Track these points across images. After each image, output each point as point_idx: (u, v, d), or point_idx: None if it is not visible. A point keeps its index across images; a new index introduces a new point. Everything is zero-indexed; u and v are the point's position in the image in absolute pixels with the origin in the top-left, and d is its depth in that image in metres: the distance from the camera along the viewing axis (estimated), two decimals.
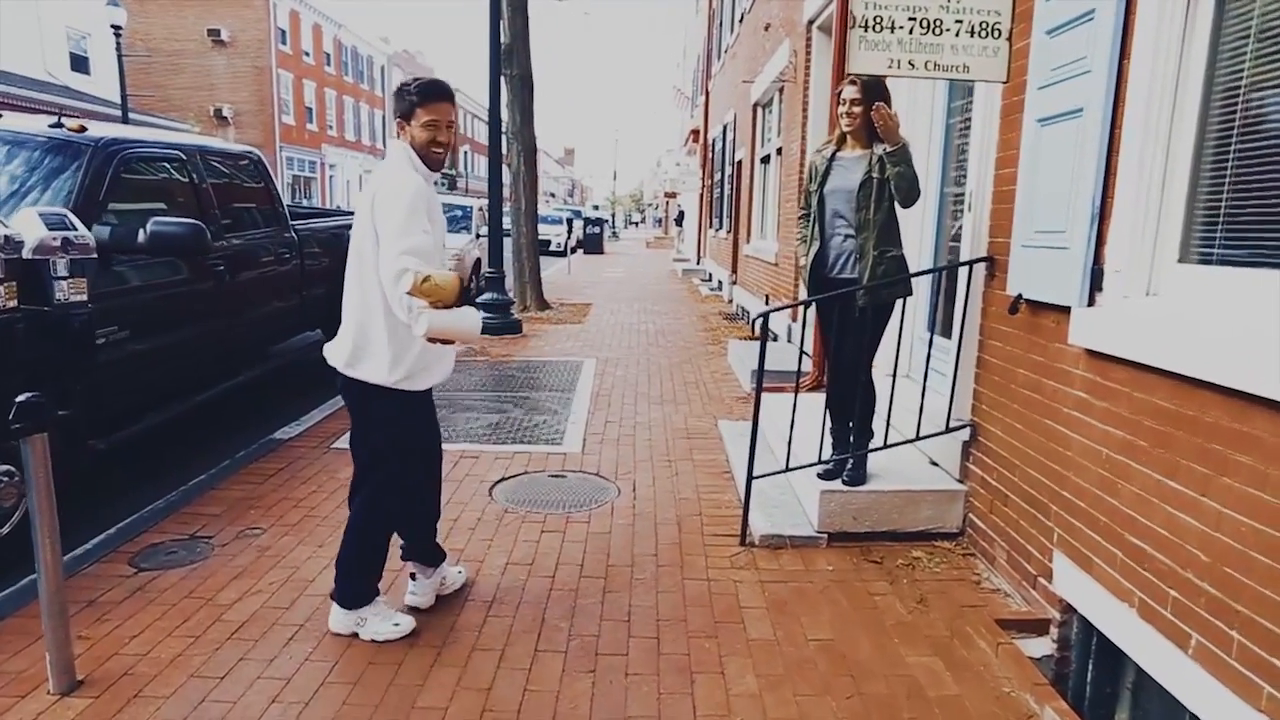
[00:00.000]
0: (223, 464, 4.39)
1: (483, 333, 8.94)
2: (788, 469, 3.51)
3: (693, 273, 18.33)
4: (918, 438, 3.46)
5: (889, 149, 3.15)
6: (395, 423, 2.56)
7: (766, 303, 9.06)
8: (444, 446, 2.93)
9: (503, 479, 4.26)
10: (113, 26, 18.01)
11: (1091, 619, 2.44)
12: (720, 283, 14.48)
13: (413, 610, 2.79)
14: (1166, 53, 2.19)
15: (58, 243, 3.21)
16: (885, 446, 3.50)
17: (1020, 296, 2.84)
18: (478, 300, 9.20)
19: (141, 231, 3.80)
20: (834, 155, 3.46)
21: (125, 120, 18.88)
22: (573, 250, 25.17)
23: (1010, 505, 3.00)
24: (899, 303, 3.45)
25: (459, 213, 13.63)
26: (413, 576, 2.86)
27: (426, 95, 2.45)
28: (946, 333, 3.94)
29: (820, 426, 3.61)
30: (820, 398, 4.91)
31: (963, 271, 3.50)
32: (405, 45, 47.88)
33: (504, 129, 10.72)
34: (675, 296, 14.05)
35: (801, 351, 3.62)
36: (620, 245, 37.50)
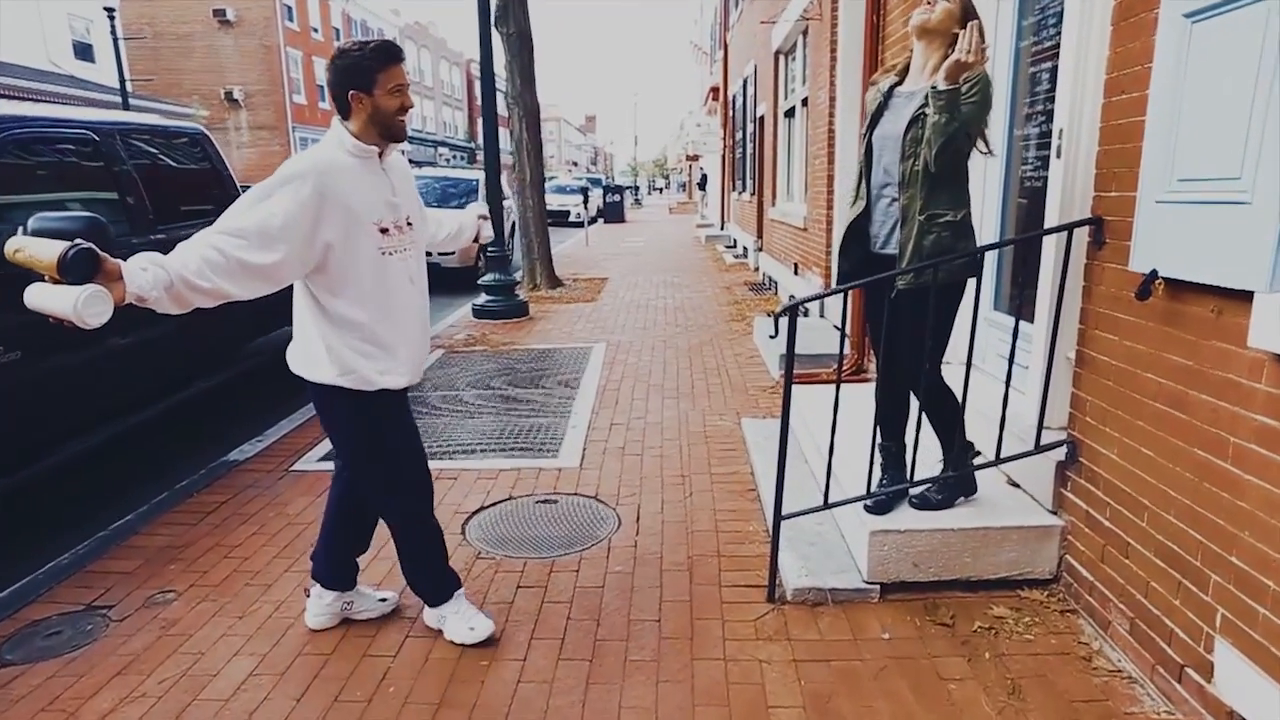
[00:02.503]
0: (157, 498, 3.74)
1: (484, 317, 8.25)
2: (826, 504, 2.73)
3: (716, 239, 17.40)
4: (998, 460, 2.65)
5: (940, 85, 2.30)
6: (351, 423, 2.28)
7: (795, 272, 8.19)
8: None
9: (482, 508, 3.55)
10: (105, 9, 17.40)
11: None
12: (745, 249, 13.58)
13: (312, 632, 2.58)
14: None
15: None
16: (948, 476, 2.70)
17: (1154, 275, 2.00)
18: (478, 281, 8.47)
19: (22, 230, 3.11)
20: (892, 89, 2.62)
21: (126, 107, 18.37)
22: (592, 220, 24.29)
23: (1135, 558, 2.20)
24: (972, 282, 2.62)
25: (473, 184, 12.84)
26: (306, 592, 2.64)
27: (388, 57, 2.10)
28: (1023, 313, 3.09)
29: (866, 433, 2.82)
30: (863, 389, 4.11)
31: (1051, 239, 2.66)
32: (416, 17, 46.81)
33: (505, 93, 9.91)
34: (697, 266, 13.18)
35: (842, 334, 2.81)
36: (643, 213, 36.45)
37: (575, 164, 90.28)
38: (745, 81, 13.29)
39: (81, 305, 1.62)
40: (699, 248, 16.85)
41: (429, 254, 2.45)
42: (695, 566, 2.96)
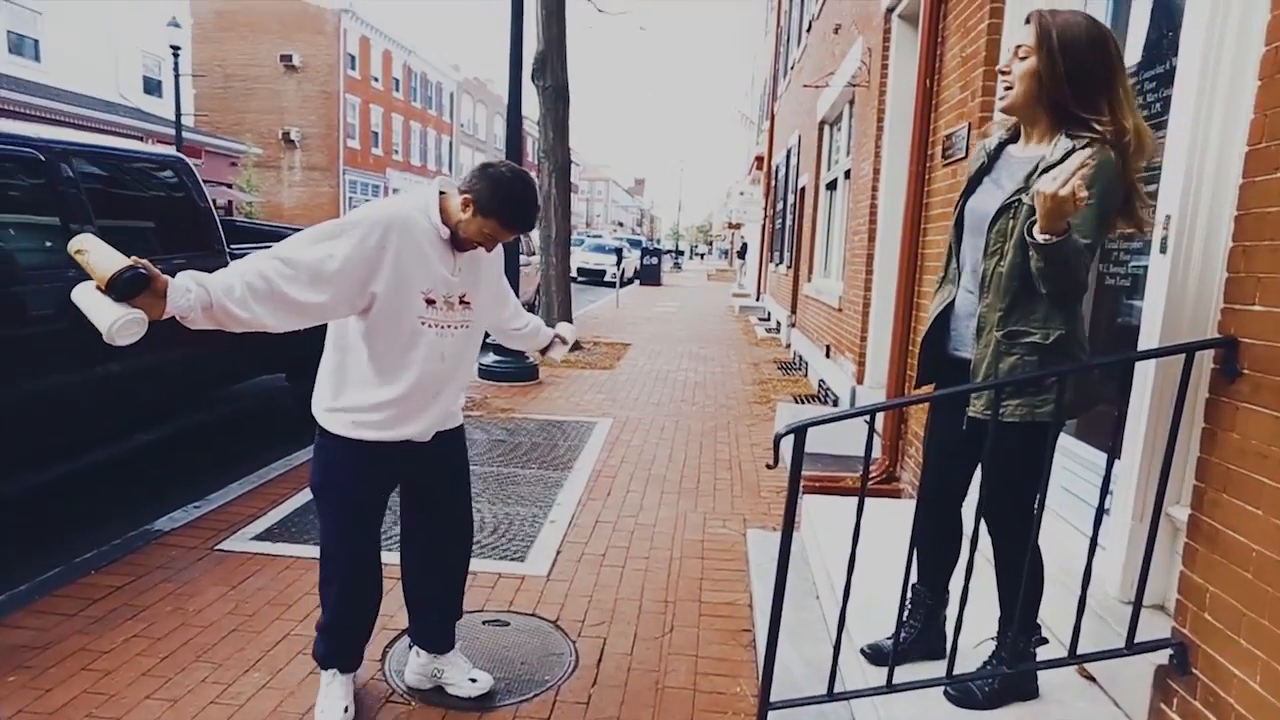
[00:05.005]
0: (45, 575, 3.18)
1: (490, 379, 7.72)
2: (830, 695, 2.02)
3: (750, 310, 16.87)
4: (1074, 656, 1.94)
5: (1039, 237, 1.67)
6: (324, 464, 2.22)
7: (827, 355, 7.54)
8: None
9: None
10: (171, 47, 17.96)
11: None
12: (778, 323, 12.98)
13: (411, 691, 2.47)
14: None
15: None
16: (999, 671, 2.00)
17: None
18: (486, 340, 7.95)
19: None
20: (1002, 147, 2.04)
21: (179, 140, 18.77)
22: (628, 282, 24.02)
23: None
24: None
25: None
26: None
27: (512, 220, 2.09)
28: (1100, 441, 2.41)
29: (895, 568, 2.13)
30: (894, 506, 3.43)
31: (1149, 364, 2.01)
32: (476, 73, 48.34)
33: (538, 145, 9.64)
34: (727, 338, 12.60)
35: (871, 431, 2.15)
36: (681, 277, 36.22)
37: (621, 224, 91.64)
38: (789, 152, 12.93)
39: (117, 330, 1.65)
40: (732, 318, 16.33)
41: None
42: None
